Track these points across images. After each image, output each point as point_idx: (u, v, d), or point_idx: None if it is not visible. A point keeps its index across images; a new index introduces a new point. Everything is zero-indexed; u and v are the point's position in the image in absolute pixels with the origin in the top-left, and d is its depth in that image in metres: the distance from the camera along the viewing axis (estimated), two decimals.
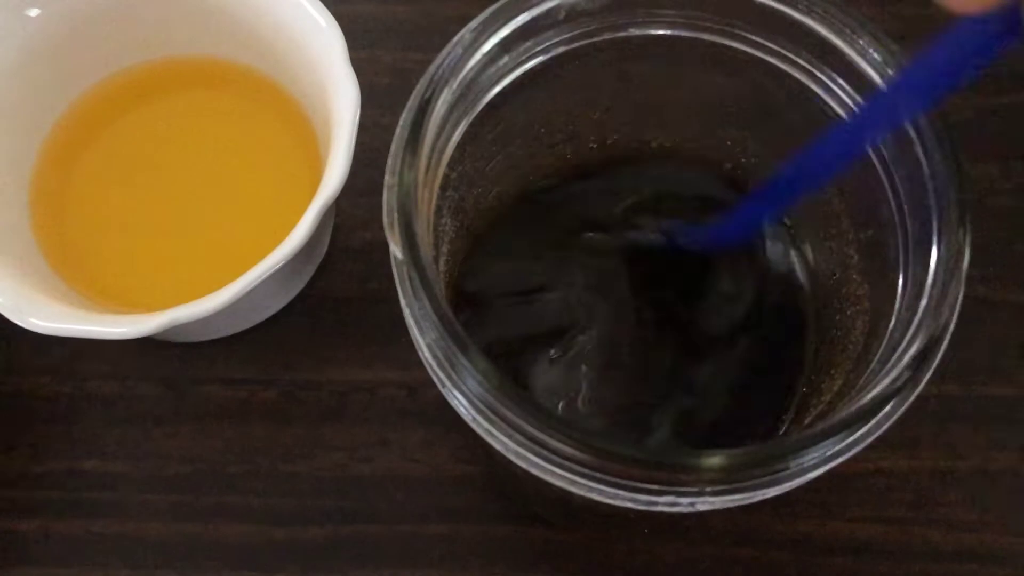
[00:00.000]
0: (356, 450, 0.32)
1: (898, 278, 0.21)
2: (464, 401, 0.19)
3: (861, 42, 0.20)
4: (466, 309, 0.23)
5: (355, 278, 0.34)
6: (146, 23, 0.32)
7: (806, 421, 0.22)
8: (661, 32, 0.23)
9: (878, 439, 0.31)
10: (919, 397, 0.32)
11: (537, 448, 0.18)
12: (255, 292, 0.27)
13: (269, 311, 0.33)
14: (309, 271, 0.33)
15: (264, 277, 0.26)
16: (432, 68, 0.20)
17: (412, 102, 0.19)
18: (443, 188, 0.21)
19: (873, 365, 0.20)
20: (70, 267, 0.31)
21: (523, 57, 0.22)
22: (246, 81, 0.33)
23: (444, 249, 0.21)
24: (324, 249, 0.34)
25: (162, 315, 0.26)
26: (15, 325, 0.32)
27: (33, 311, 0.26)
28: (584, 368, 0.24)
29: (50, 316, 0.26)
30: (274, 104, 0.33)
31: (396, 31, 0.38)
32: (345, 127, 0.28)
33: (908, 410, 0.32)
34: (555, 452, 0.18)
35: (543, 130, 0.25)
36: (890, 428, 0.31)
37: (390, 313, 0.34)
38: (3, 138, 0.30)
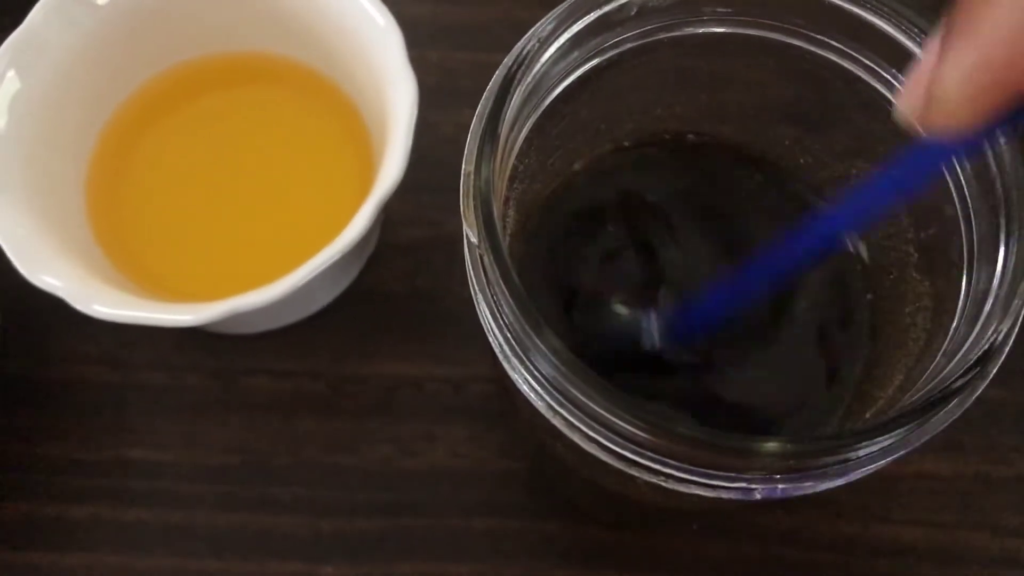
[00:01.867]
0: (402, 444, 0.32)
1: (962, 276, 0.21)
2: (535, 384, 0.19)
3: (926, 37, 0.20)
4: None
5: (402, 274, 0.35)
6: (207, 18, 0.32)
7: (867, 414, 0.22)
8: (725, 30, 0.23)
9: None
10: None
11: (605, 431, 0.18)
12: (308, 285, 0.27)
13: (318, 305, 0.33)
14: (358, 266, 0.34)
15: (322, 268, 0.27)
16: (509, 60, 0.20)
17: (490, 92, 0.20)
18: (511, 180, 0.22)
19: (938, 359, 0.20)
20: (122, 254, 0.32)
21: (591, 53, 0.22)
22: (301, 77, 0.33)
23: (507, 241, 0.22)
24: (373, 245, 0.34)
25: (223, 303, 0.26)
26: (65, 313, 0.32)
27: (96, 298, 0.27)
28: (639, 361, 0.24)
29: (113, 303, 0.27)
30: (328, 101, 0.33)
31: (443, 32, 0.38)
32: (402, 124, 0.29)
33: None
34: (621, 434, 0.18)
35: (604, 126, 0.25)
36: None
37: (437, 309, 0.34)
38: (65, 123, 0.31)
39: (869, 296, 0.25)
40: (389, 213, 0.35)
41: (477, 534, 0.31)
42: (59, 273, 0.27)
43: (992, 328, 0.18)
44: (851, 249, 0.25)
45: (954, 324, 0.20)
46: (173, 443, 0.33)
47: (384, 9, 0.30)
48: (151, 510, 0.32)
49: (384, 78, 0.30)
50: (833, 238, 0.21)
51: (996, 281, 0.19)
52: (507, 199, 0.22)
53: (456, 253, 0.35)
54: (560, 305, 0.25)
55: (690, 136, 0.26)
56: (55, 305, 0.32)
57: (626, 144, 0.26)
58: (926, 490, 0.32)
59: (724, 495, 0.19)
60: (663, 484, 0.19)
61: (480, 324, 0.33)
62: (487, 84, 0.39)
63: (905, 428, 0.18)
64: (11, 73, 0.29)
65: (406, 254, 0.35)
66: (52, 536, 0.31)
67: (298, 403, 0.33)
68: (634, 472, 0.19)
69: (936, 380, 0.19)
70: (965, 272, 0.21)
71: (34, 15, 0.29)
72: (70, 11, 0.30)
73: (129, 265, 0.32)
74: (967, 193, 0.21)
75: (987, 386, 0.32)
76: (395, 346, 0.34)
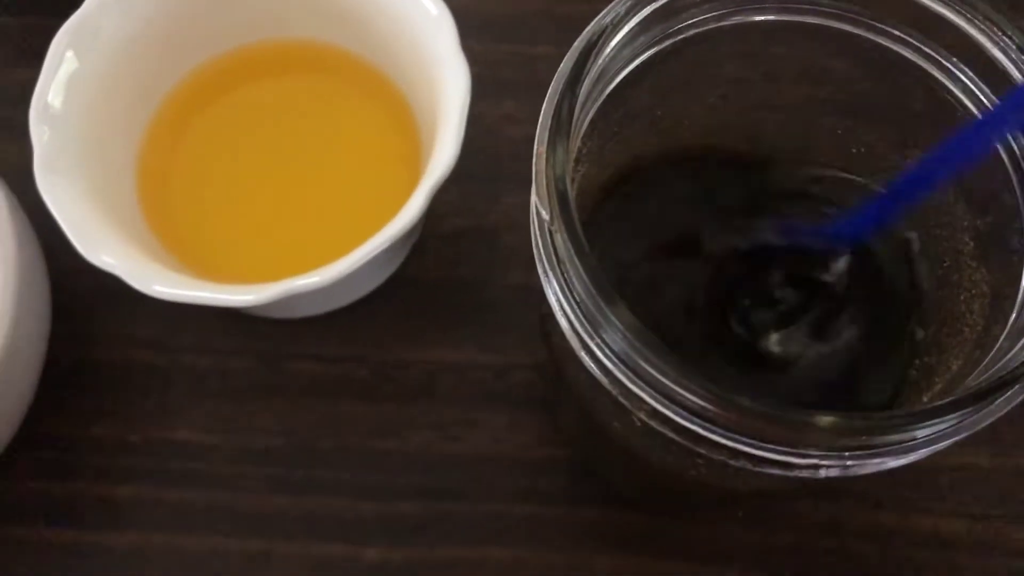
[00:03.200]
0: (445, 429, 0.33)
1: (1022, 264, 0.21)
2: (605, 360, 0.19)
3: (995, 31, 0.21)
4: None
5: (445, 262, 0.35)
6: (259, 4, 0.33)
7: (924, 398, 0.22)
8: (783, 18, 0.23)
9: None
10: None
11: (673, 405, 0.19)
12: (359, 269, 0.28)
13: (362, 291, 0.34)
14: (402, 255, 0.34)
15: (379, 251, 0.27)
16: (581, 42, 0.20)
17: (561, 73, 0.20)
18: (576, 161, 0.22)
19: (1001, 343, 0.20)
20: (170, 236, 0.32)
21: (655, 39, 0.22)
22: (351, 66, 0.34)
23: None
24: (418, 233, 0.34)
25: (281, 284, 0.27)
26: (112, 297, 0.33)
27: (155, 278, 0.27)
28: (688, 341, 0.24)
29: (171, 283, 0.27)
30: (377, 90, 0.34)
31: (487, 23, 0.39)
32: (455, 112, 0.29)
33: None
34: (690, 408, 0.18)
35: (660, 113, 0.25)
36: None
37: (479, 297, 0.35)
38: (119, 104, 0.31)
39: (921, 284, 0.25)
40: (432, 203, 0.35)
41: (517, 519, 0.32)
42: (116, 253, 0.28)
43: None
44: (902, 238, 0.26)
45: (1015, 311, 0.21)
46: (218, 425, 0.33)
47: None
48: (196, 491, 0.32)
49: (435, 67, 0.30)
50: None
51: None
52: (572, 180, 0.22)
53: (498, 242, 0.35)
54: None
55: (746, 127, 0.26)
56: (102, 289, 0.33)
57: (682, 132, 0.26)
58: (966, 482, 0.32)
59: (791, 473, 0.19)
60: (730, 461, 0.19)
61: (521, 312, 0.34)
62: (530, 76, 0.39)
63: (973, 407, 0.18)
64: (70, 54, 0.29)
65: (449, 243, 0.35)
66: (98, 515, 0.32)
67: (342, 387, 0.33)
68: (700, 448, 0.19)
69: (1001, 363, 0.19)
70: None
71: None
72: None
73: (177, 247, 0.32)
74: None
75: None
76: (437, 333, 0.34)
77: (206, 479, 0.32)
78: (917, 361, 0.24)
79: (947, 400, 0.18)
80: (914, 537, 0.31)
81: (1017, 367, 0.18)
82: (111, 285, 0.28)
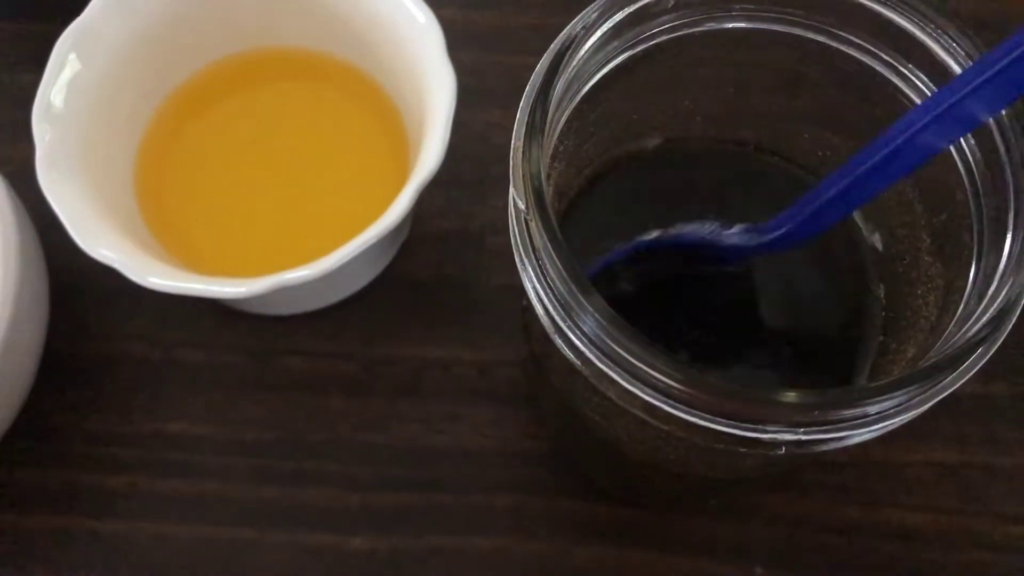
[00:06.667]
0: (430, 423, 0.34)
1: (972, 255, 0.22)
2: (579, 344, 0.20)
3: (943, 34, 0.22)
4: None
5: (432, 262, 0.36)
6: (255, 13, 0.34)
7: None
8: (752, 25, 0.25)
9: (928, 432, 0.33)
10: (967, 395, 0.33)
11: (642, 386, 0.20)
12: (349, 264, 0.29)
13: (351, 289, 0.35)
14: (391, 254, 0.35)
15: (369, 245, 0.28)
16: (557, 44, 0.22)
17: (537, 73, 0.21)
18: (552, 158, 0.23)
19: (950, 328, 0.21)
20: (166, 233, 0.33)
21: (628, 44, 0.24)
22: (343, 73, 0.35)
23: None
24: (406, 233, 0.36)
25: (272, 277, 0.28)
26: (108, 292, 0.34)
27: (151, 271, 0.28)
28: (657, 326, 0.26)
29: (166, 276, 0.28)
30: (367, 95, 0.35)
31: (475, 35, 0.40)
32: (441, 115, 0.30)
33: (957, 407, 0.34)
34: (658, 388, 0.19)
35: (635, 116, 0.27)
36: (939, 423, 0.33)
37: (464, 296, 0.36)
38: (119, 106, 0.32)
39: (882, 282, 0.27)
40: (420, 205, 0.37)
41: (499, 510, 0.33)
42: (114, 247, 0.29)
43: (1003, 294, 0.20)
44: (864, 238, 0.27)
45: (963, 302, 0.22)
46: (210, 418, 0.34)
47: (425, 6, 0.31)
48: (187, 481, 0.33)
49: (423, 73, 0.31)
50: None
51: (1005, 254, 0.21)
52: (548, 175, 0.23)
53: (483, 244, 0.37)
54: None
55: (716, 132, 0.27)
56: (99, 284, 0.34)
57: (656, 134, 0.27)
58: (933, 478, 0.33)
59: (750, 449, 0.20)
60: (695, 439, 0.20)
61: (505, 311, 0.35)
62: (516, 86, 0.41)
63: (919, 385, 0.19)
64: (72, 56, 0.30)
65: (435, 244, 0.36)
66: (92, 504, 0.33)
67: (331, 383, 0.34)
68: (668, 427, 0.20)
69: (948, 346, 0.20)
70: (975, 251, 0.22)
71: (95, 2, 0.31)
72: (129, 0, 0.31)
73: (173, 243, 0.33)
74: (976, 175, 0.22)
75: (991, 382, 0.34)
76: (424, 331, 0.35)
77: (197, 470, 0.33)
78: (879, 353, 0.26)
79: (894, 378, 0.19)
80: (881, 530, 0.32)
81: (958, 348, 0.19)
82: (108, 281, 0.29)
